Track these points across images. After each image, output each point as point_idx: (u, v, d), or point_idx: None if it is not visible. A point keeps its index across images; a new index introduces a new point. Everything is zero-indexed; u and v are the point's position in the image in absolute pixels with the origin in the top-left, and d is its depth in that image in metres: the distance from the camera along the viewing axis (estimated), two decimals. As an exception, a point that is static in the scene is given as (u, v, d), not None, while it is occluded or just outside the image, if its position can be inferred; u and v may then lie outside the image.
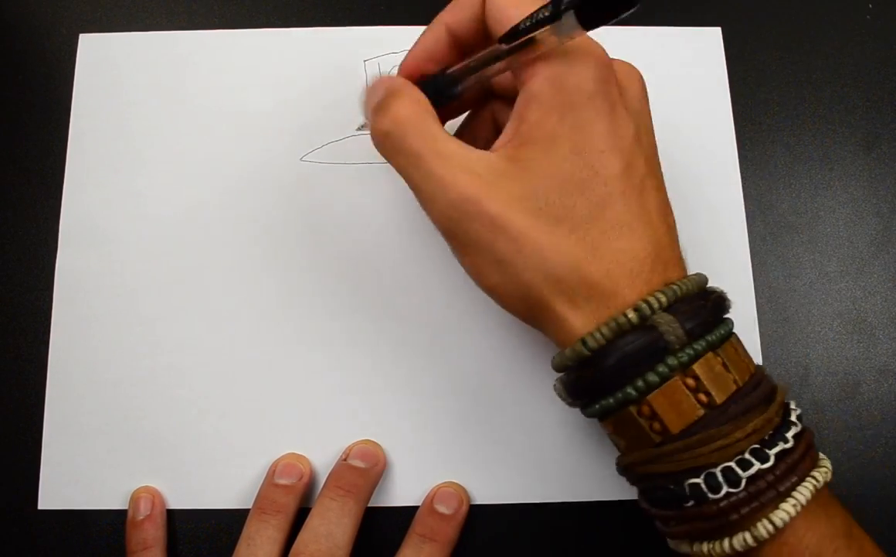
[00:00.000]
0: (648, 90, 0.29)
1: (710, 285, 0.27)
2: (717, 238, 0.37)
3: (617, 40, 0.40)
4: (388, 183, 0.38)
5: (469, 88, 0.29)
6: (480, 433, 0.35)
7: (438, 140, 0.26)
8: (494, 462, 0.35)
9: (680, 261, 0.27)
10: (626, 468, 0.27)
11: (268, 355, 0.36)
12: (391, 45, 0.40)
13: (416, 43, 0.30)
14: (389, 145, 0.27)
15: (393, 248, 0.37)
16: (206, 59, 0.39)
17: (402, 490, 0.34)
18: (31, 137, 0.38)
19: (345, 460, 0.34)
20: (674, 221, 0.28)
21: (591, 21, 0.22)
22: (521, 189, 0.25)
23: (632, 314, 0.24)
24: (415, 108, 0.27)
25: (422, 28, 0.40)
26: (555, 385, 0.27)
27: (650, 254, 0.25)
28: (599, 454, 0.35)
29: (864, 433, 0.36)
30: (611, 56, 0.27)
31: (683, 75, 0.39)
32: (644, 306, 0.24)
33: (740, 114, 0.39)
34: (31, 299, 0.36)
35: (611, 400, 0.25)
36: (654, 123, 0.29)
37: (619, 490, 0.34)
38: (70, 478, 0.34)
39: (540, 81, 0.25)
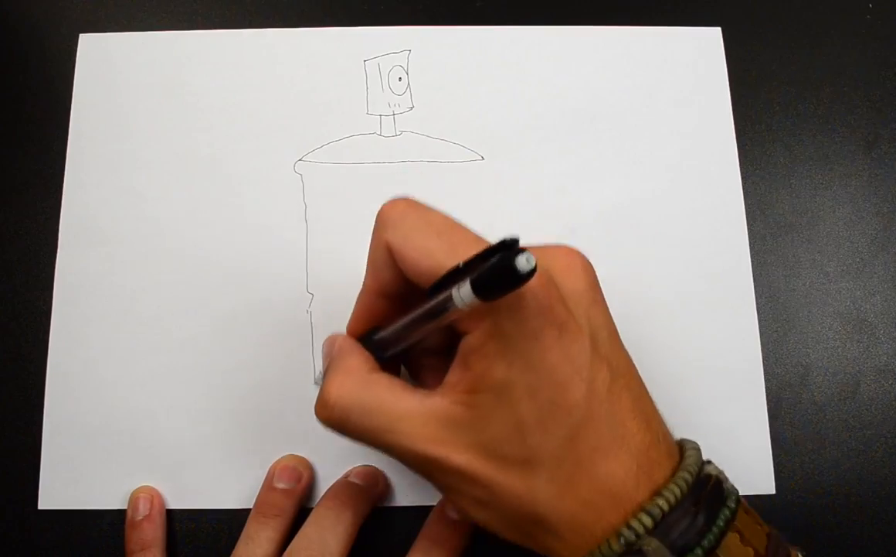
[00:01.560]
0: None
1: (706, 464, 0.26)
2: (717, 238, 0.37)
3: (617, 40, 0.40)
4: (387, 183, 0.38)
5: (411, 345, 0.28)
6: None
7: (383, 410, 0.25)
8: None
9: (665, 456, 0.25)
10: None
11: (267, 354, 0.36)
12: (391, 45, 0.40)
13: (354, 307, 0.29)
14: (336, 429, 0.26)
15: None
16: (206, 60, 0.39)
17: (404, 491, 0.34)
18: (31, 137, 0.38)
19: (346, 477, 0.34)
20: (653, 409, 0.26)
21: (488, 293, 0.21)
22: (482, 437, 0.24)
23: (616, 546, 0.23)
24: (350, 381, 0.26)
25: (422, 28, 0.40)
26: None
27: (631, 471, 0.24)
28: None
29: (864, 433, 0.36)
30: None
31: (683, 75, 0.39)
32: (628, 533, 0.23)
33: (740, 114, 0.39)
34: (31, 299, 0.36)
35: None
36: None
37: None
38: (70, 478, 0.34)
39: (478, 334, 0.24)
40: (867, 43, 0.41)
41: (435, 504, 0.34)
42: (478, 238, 0.25)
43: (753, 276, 0.37)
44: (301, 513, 0.33)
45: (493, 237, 0.37)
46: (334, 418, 0.26)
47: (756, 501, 0.34)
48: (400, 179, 0.38)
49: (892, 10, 0.41)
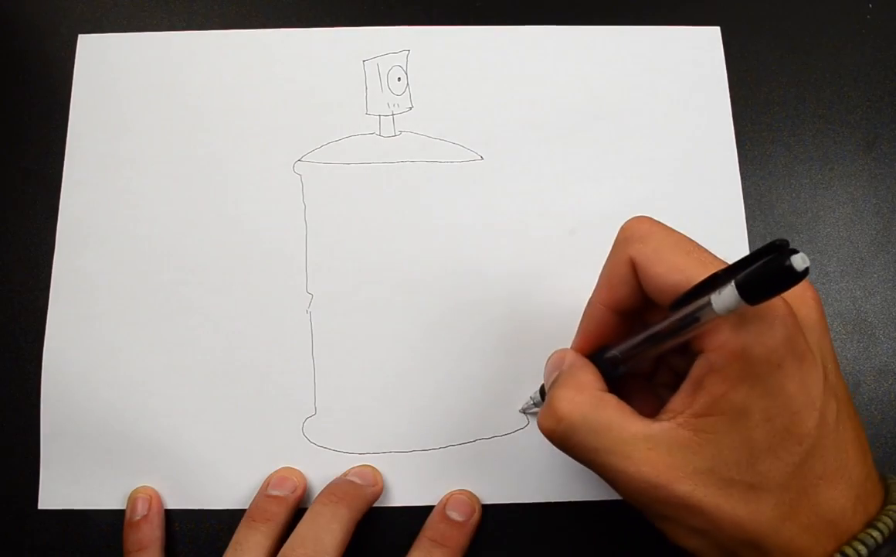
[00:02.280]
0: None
1: None
2: (717, 238, 0.37)
3: (616, 40, 0.40)
4: (387, 183, 0.38)
5: (645, 364, 0.28)
6: (483, 432, 0.35)
7: (611, 431, 0.25)
8: (497, 462, 0.35)
9: (878, 488, 0.26)
10: None
11: (267, 354, 0.36)
12: (391, 46, 0.40)
13: (579, 325, 0.29)
14: (558, 443, 0.27)
15: (392, 248, 0.37)
16: (205, 60, 0.39)
17: (403, 491, 0.34)
18: (30, 138, 0.38)
19: (345, 476, 0.34)
20: (865, 440, 0.26)
21: (755, 295, 0.20)
22: (710, 462, 0.24)
23: None
24: (581, 397, 0.26)
25: (421, 28, 0.40)
26: None
27: (850, 499, 0.24)
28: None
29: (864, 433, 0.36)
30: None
31: (683, 75, 0.39)
32: None
33: (740, 114, 0.39)
34: (30, 299, 0.36)
35: None
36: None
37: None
38: (69, 478, 0.34)
39: (723, 354, 0.24)
40: (867, 43, 0.41)
41: (435, 503, 0.34)
42: (723, 261, 0.25)
43: (753, 276, 0.37)
44: (296, 517, 0.33)
45: (494, 237, 0.37)
46: (559, 431, 0.26)
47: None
48: (399, 179, 0.38)
49: (892, 10, 0.41)
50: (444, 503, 0.34)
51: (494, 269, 0.37)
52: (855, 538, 0.24)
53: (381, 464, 0.35)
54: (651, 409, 0.26)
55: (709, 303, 0.22)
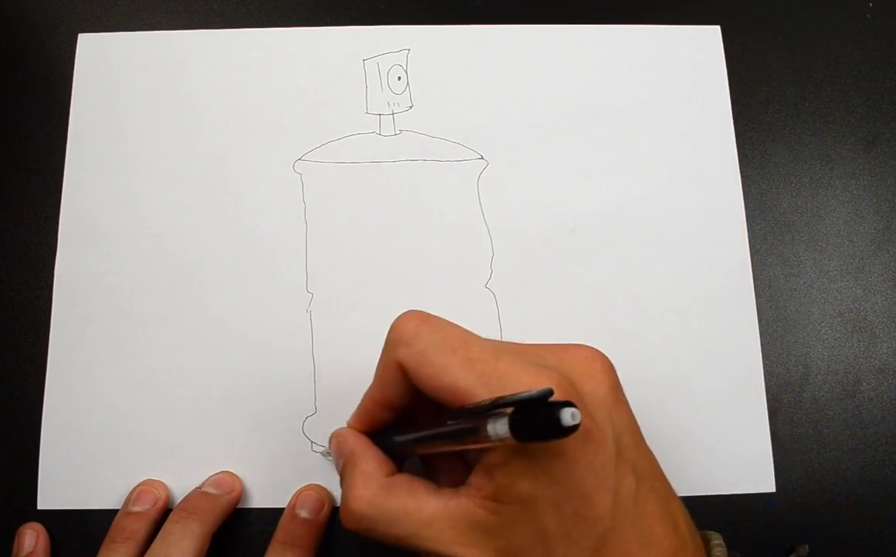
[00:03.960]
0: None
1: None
2: (717, 238, 0.37)
3: (616, 39, 0.40)
4: (387, 182, 0.38)
5: (428, 453, 0.28)
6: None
7: (409, 516, 0.25)
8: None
9: (693, 552, 0.25)
10: None
11: (267, 354, 0.36)
12: (391, 45, 0.39)
13: (359, 406, 0.29)
14: (365, 533, 0.26)
15: (392, 248, 0.37)
16: (205, 59, 0.39)
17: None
18: (31, 137, 0.38)
19: (199, 488, 0.34)
20: (679, 508, 0.26)
21: (523, 435, 0.21)
22: (509, 545, 0.24)
23: None
24: (370, 491, 0.26)
25: (421, 27, 0.40)
26: None
27: None
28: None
29: (864, 432, 0.36)
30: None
31: (683, 74, 0.39)
32: None
33: (740, 113, 0.39)
34: (31, 299, 0.36)
35: None
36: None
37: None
38: (69, 478, 0.34)
39: (502, 450, 0.24)
40: (867, 43, 0.41)
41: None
42: (494, 349, 0.25)
43: (753, 276, 0.37)
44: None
45: (494, 238, 0.37)
46: (362, 529, 0.26)
47: (756, 500, 0.34)
48: (399, 178, 0.38)
49: (892, 10, 0.41)
50: (294, 501, 0.33)
51: (494, 268, 0.37)
52: None
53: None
54: (458, 473, 0.27)
55: (485, 426, 0.22)
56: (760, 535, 0.34)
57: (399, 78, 0.39)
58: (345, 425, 0.31)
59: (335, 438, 0.30)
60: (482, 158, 0.38)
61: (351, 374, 0.36)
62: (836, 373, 0.36)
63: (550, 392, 0.21)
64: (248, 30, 0.40)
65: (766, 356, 0.36)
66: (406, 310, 0.27)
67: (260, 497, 0.34)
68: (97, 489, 0.34)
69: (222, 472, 0.34)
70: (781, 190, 0.38)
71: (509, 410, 0.21)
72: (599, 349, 0.26)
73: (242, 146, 0.38)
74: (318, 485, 0.34)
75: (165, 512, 0.33)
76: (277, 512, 0.33)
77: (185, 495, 0.33)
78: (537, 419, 0.20)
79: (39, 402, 0.35)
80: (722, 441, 0.35)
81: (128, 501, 0.33)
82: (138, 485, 0.34)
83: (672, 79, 0.39)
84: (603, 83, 0.39)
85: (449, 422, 0.24)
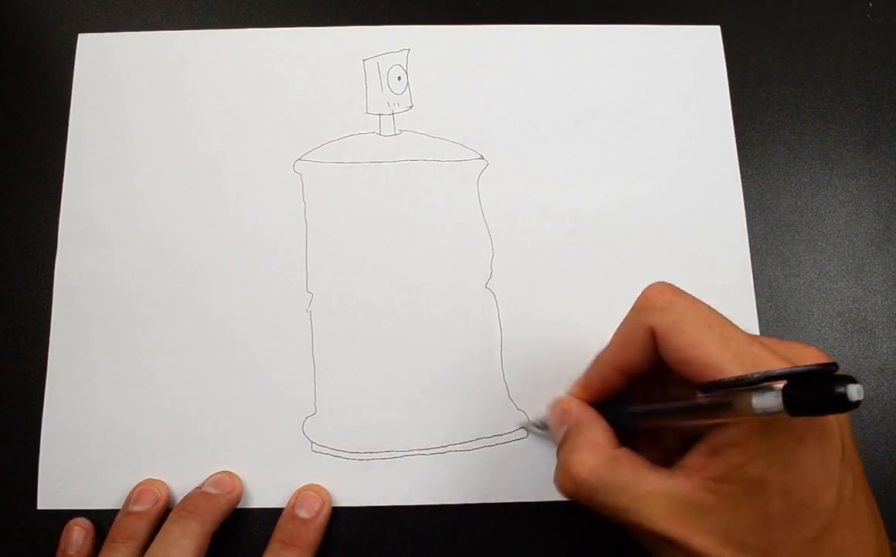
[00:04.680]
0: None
1: None
2: (717, 238, 0.37)
3: (616, 39, 0.40)
4: (387, 182, 0.38)
5: (659, 427, 0.28)
6: (483, 432, 0.35)
7: (628, 490, 0.26)
8: (497, 462, 0.35)
9: (889, 551, 0.26)
10: None
11: (267, 354, 0.36)
12: (391, 45, 0.39)
13: (585, 376, 0.29)
14: (581, 499, 0.27)
15: (392, 248, 0.37)
16: (205, 59, 0.39)
17: (403, 491, 0.35)
18: (31, 137, 0.38)
19: (199, 488, 0.34)
20: (878, 513, 0.26)
21: (797, 408, 0.21)
22: (726, 525, 0.24)
23: None
24: (596, 460, 0.26)
25: (421, 27, 0.40)
26: None
27: None
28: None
29: (864, 432, 0.36)
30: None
31: (683, 74, 0.39)
32: None
33: (740, 113, 0.39)
34: (31, 299, 0.36)
35: None
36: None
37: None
38: (69, 478, 0.34)
39: (743, 429, 0.24)
40: (867, 42, 0.41)
41: (434, 503, 0.34)
42: (746, 335, 0.25)
43: (753, 276, 0.37)
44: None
45: (494, 238, 0.37)
46: (580, 494, 0.27)
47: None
48: (399, 178, 0.38)
49: (892, 10, 0.41)
50: (293, 501, 0.33)
51: (494, 268, 0.37)
52: None
53: (381, 465, 0.35)
54: (656, 454, 0.27)
55: (748, 399, 0.22)
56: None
57: (399, 78, 0.39)
58: (565, 394, 0.30)
59: (559, 405, 0.30)
60: (482, 158, 0.38)
61: (351, 374, 0.36)
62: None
63: (835, 366, 0.21)
64: (248, 30, 0.40)
65: (766, 356, 0.36)
66: (657, 281, 0.27)
67: (260, 497, 0.34)
68: (97, 489, 0.34)
69: (222, 472, 0.34)
70: (781, 190, 0.38)
71: (780, 384, 0.21)
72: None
73: (242, 146, 0.38)
74: (317, 485, 0.34)
75: (166, 512, 0.33)
76: (277, 512, 0.33)
77: (185, 494, 0.33)
78: (817, 392, 0.20)
79: (39, 402, 0.35)
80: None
81: (128, 501, 0.33)
82: (138, 485, 0.34)
83: (672, 79, 0.39)
84: (603, 83, 0.39)
85: (700, 395, 0.24)
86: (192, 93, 0.39)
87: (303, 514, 0.33)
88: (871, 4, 0.41)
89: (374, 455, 0.35)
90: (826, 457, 0.24)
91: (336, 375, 0.36)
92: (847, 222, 0.38)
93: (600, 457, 0.27)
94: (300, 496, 0.33)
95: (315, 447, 0.35)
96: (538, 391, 0.35)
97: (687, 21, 0.40)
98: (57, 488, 0.34)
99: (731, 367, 0.24)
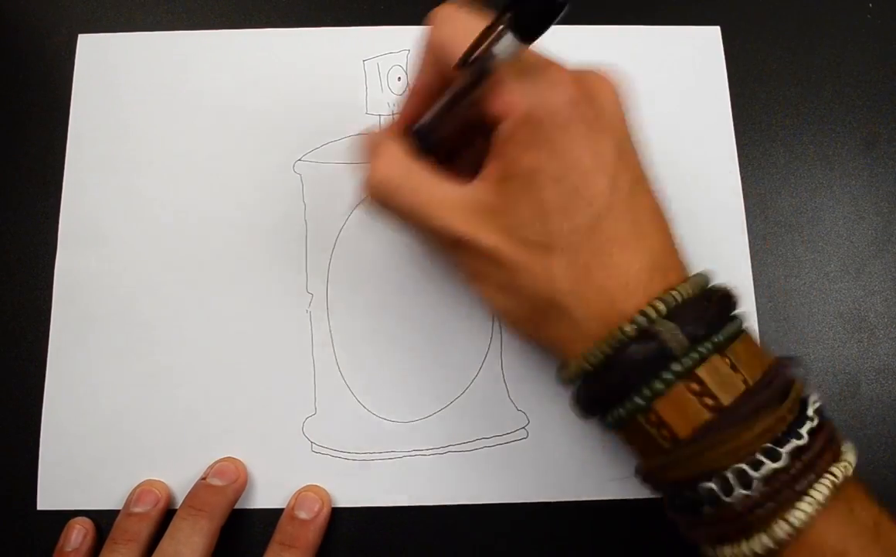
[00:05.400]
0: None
1: (715, 283, 0.27)
2: (717, 238, 0.37)
3: (616, 40, 0.40)
4: (387, 183, 0.38)
5: (449, 133, 0.29)
6: (483, 433, 0.35)
7: (422, 191, 0.27)
8: (497, 462, 0.35)
9: (680, 265, 0.27)
10: (645, 477, 0.27)
11: (267, 354, 0.36)
12: (391, 45, 0.40)
13: (400, 106, 0.30)
14: (382, 201, 0.28)
15: (392, 248, 0.37)
16: (205, 60, 0.39)
17: (404, 492, 0.34)
18: (31, 138, 0.38)
19: (204, 479, 0.34)
20: (669, 226, 0.28)
21: (528, 32, 0.22)
22: (510, 221, 0.26)
23: (629, 328, 0.25)
24: (393, 165, 0.28)
25: (422, 28, 0.40)
26: (569, 401, 0.28)
27: (645, 265, 0.25)
28: (602, 454, 0.35)
29: (864, 433, 0.36)
30: (617, 48, 0.27)
31: (683, 74, 0.39)
32: (641, 318, 0.25)
33: (740, 114, 0.39)
34: (31, 299, 0.36)
35: (620, 411, 0.25)
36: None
37: (628, 490, 0.34)
38: (69, 479, 0.34)
39: (513, 119, 0.25)
40: (867, 43, 0.41)
41: (435, 504, 0.34)
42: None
43: (753, 276, 0.37)
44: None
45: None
46: (380, 194, 0.28)
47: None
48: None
49: (892, 10, 0.41)
50: (293, 502, 0.34)
51: (494, 269, 0.37)
52: (655, 298, 0.25)
53: (381, 465, 0.35)
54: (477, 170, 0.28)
55: (491, 54, 0.23)
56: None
57: (399, 78, 0.39)
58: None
59: (365, 136, 0.30)
60: (482, 158, 0.38)
61: (351, 374, 0.36)
62: (836, 373, 0.36)
63: None
64: (248, 30, 0.40)
65: (766, 357, 0.36)
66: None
67: (260, 498, 0.34)
68: (97, 489, 0.34)
69: (225, 459, 0.34)
70: (781, 190, 0.39)
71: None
72: None
73: (242, 147, 0.38)
74: (316, 486, 0.34)
75: (166, 512, 0.33)
76: (277, 513, 0.33)
77: (186, 493, 0.33)
78: (533, 6, 0.22)
79: (39, 402, 0.35)
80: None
81: (129, 502, 0.33)
82: (139, 486, 0.34)
83: (672, 79, 0.39)
84: (603, 83, 0.39)
85: (460, 73, 0.25)
86: (192, 93, 0.39)
87: (302, 515, 0.33)
88: (871, 4, 0.41)
89: (374, 456, 0.35)
90: (597, 149, 0.25)
91: (336, 375, 0.36)
92: (847, 222, 0.38)
93: (400, 158, 0.28)
94: (300, 497, 0.33)
95: (315, 448, 0.35)
96: (538, 391, 0.35)
97: (687, 22, 0.40)
98: (57, 488, 0.34)
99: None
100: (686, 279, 0.26)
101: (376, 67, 0.39)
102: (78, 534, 0.33)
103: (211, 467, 0.34)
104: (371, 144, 0.29)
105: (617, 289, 0.25)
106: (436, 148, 0.29)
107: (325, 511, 0.33)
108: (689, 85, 0.39)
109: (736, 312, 0.26)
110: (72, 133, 0.38)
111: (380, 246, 0.37)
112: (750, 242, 0.37)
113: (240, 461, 0.34)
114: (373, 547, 0.34)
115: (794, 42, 0.40)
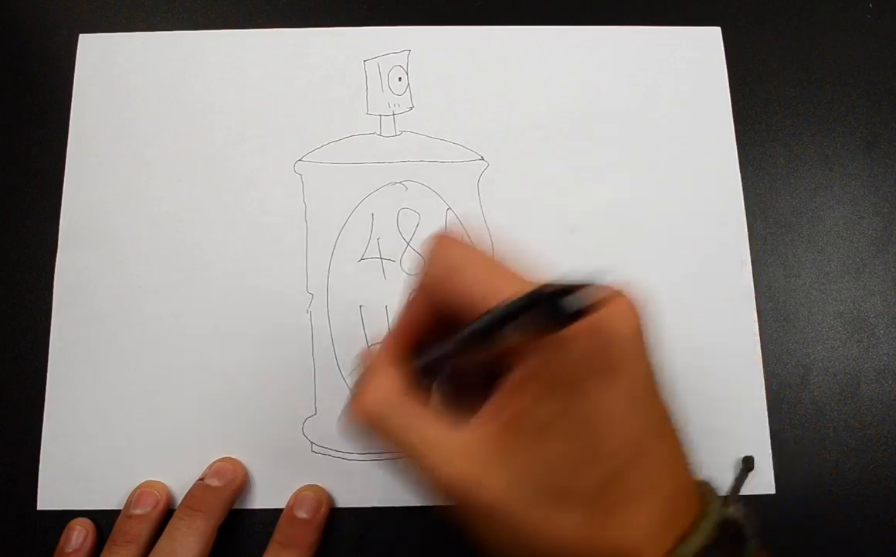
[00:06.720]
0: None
1: (728, 511, 0.26)
2: (717, 238, 0.37)
3: (616, 40, 0.40)
4: (387, 183, 0.38)
5: (450, 372, 0.27)
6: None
7: (412, 429, 0.25)
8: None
9: (691, 500, 0.25)
10: None
11: (267, 354, 0.36)
12: (391, 45, 0.40)
13: (393, 328, 0.28)
14: (370, 428, 0.26)
15: (392, 248, 0.37)
16: (206, 60, 0.39)
17: (403, 492, 0.34)
18: (31, 138, 0.38)
19: (202, 479, 0.34)
20: (684, 457, 0.26)
21: (529, 327, 0.20)
22: (514, 475, 0.24)
23: None
24: (380, 395, 0.25)
25: (422, 28, 0.40)
26: None
27: (659, 520, 0.24)
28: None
29: (864, 433, 0.36)
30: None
31: (683, 75, 0.39)
32: None
33: (740, 114, 0.39)
34: (31, 299, 0.36)
35: None
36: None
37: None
38: (69, 479, 0.34)
39: (521, 372, 0.24)
40: (867, 43, 0.41)
41: (435, 504, 0.34)
42: (522, 278, 0.25)
43: (753, 276, 0.37)
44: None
45: (495, 238, 0.37)
46: (370, 421, 0.25)
47: (756, 501, 0.34)
48: (400, 178, 0.38)
49: (892, 10, 0.41)
50: (292, 502, 0.33)
51: (495, 269, 0.37)
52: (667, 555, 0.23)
53: (381, 466, 0.35)
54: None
55: (503, 333, 0.21)
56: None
57: (399, 79, 0.39)
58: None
59: (363, 354, 0.29)
60: (482, 158, 0.38)
61: (351, 374, 0.36)
62: (836, 373, 0.36)
63: (570, 287, 0.20)
64: (249, 30, 0.40)
65: (766, 357, 0.36)
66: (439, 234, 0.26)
67: (260, 498, 0.34)
68: (97, 489, 0.34)
69: (223, 459, 0.34)
70: (781, 190, 0.39)
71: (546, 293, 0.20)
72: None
73: (243, 147, 0.38)
74: (315, 485, 0.34)
75: (167, 513, 0.33)
76: (277, 513, 0.33)
77: (185, 494, 0.33)
78: (541, 309, 0.19)
79: (40, 402, 0.35)
80: (721, 442, 0.35)
81: (129, 503, 0.33)
82: (138, 487, 0.34)
83: (672, 80, 0.39)
84: (603, 84, 0.39)
85: (467, 327, 0.23)
86: (192, 93, 0.39)
87: (302, 515, 0.33)
88: (871, 5, 0.41)
89: (374, 456, 0.35)
90: (612, 400, 0.23)
91: (336, 375, 0.36)
92: (847, 222, 0.38)
93: (385, 395, 0.25)
94: (299, 496, 0.33)
95: (315, 448, 0.35)
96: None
97: (687, 22, 0.40)
98: (57, 488, 0.34)
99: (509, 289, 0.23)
100: (698, 521, 0.25)
101: (377, 67, 0.39)
102: (78, 535, 0.33)
103: (209, 467, 0.34)
104: (368, 365, 0.28)
105: (628, 548, 0.24)
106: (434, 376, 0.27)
107: (325, 511, 0.33)
108: (690, 85, 0.39)
109: (746, 535, 0.25)
110: (72, 133, 0.38)
111: (380, 245, 0.37)
112: (750, 242, 0.37)
113: (238, 461, 0.34)
114: (373, 547, 0.34)
115: (794, 42, 0.41)
